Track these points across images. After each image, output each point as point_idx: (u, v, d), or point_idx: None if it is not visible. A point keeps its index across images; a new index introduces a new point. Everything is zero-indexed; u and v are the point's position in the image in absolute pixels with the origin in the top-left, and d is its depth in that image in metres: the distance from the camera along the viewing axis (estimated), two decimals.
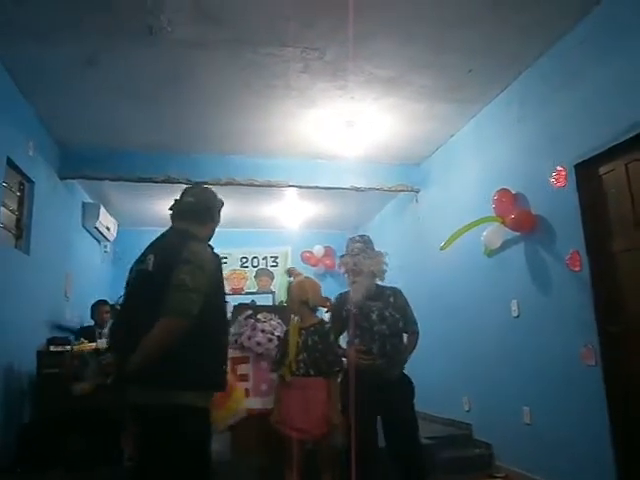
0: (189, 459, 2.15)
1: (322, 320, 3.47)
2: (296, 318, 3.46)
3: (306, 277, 3.59)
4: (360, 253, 3.41)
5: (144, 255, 2.39)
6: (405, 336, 3.47)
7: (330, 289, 4.81)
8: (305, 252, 9.00)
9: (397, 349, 3.34)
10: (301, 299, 3.37)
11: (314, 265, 8.96)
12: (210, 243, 2.52)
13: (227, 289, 9.23)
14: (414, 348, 3.43)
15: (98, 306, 5.57)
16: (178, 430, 2.13)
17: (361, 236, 3.56)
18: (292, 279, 3.59)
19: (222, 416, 3.25)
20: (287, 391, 3.26)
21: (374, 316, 3.32)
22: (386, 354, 3.26)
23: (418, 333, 3.45)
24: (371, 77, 4.32)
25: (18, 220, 4.64)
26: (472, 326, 5.07)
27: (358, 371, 3.16)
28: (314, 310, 3.44)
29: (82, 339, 4.74)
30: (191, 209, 2.52)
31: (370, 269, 3.39)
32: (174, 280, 2.17)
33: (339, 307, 3.48)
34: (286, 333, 3.47)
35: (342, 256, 3.53)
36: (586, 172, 3.66)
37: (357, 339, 3.29)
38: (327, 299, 3.58)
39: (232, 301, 7.53)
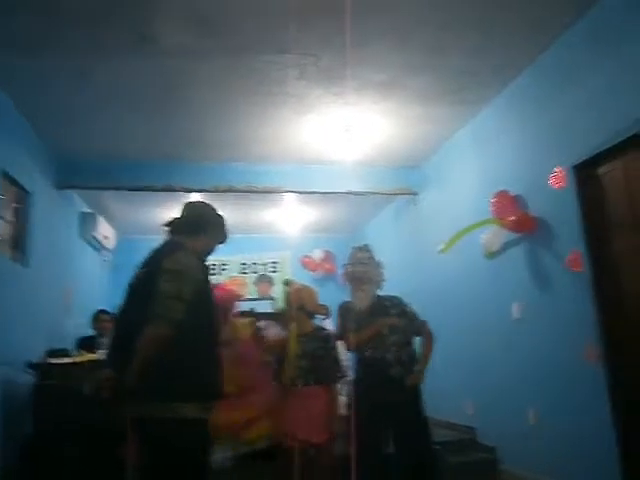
0: (189, 471, 2.14)
1: (320, 326, 3.48)
2: (293, 325, 3.43)
3: (303, 285, 3.61)
4: (369, 262, 3.43)
5: (137, 269, 2.42)
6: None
7: (330, 294, 4.79)
8: (304, 257, 8.98)
9: (412, 357, 3.35)
10: (298, 305, 3.38)
11: (313, 270, 8.93)
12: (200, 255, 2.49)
13: None
14: (431, 343, 3.51)
15: (98, 315, 5.54)
16: (178, 443, 2.12)
17: (366, 245, 3.58)
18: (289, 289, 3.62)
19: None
20: (287, 400, 3.23)
21: (385, 329, 3.33)
22: (401, 362, 3.27)
23: (425, 323, 3.46)
24: (367, 82, 4.31)
25: (15, 232, 4.62)
26: (474, 329, 5.05)
27: (372, 378, 3.18)
28: (311, 317, 3.47)
29: (81, 350, 4.71)
30: (183, 222, 2.55)
31: (377, 279, 3.42)
32: (157, 289, 2.17)
33: (347, 316, 3.45)
34: (283, 341, 3.46)
35: (348, 264, 3.51)
36: (585, 173, 3.65)
37: (369, 350, 3.29)
38: (324, 306, 3.57)
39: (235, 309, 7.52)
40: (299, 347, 3.28)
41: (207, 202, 2.80)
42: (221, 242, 2.65)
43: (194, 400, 2.20)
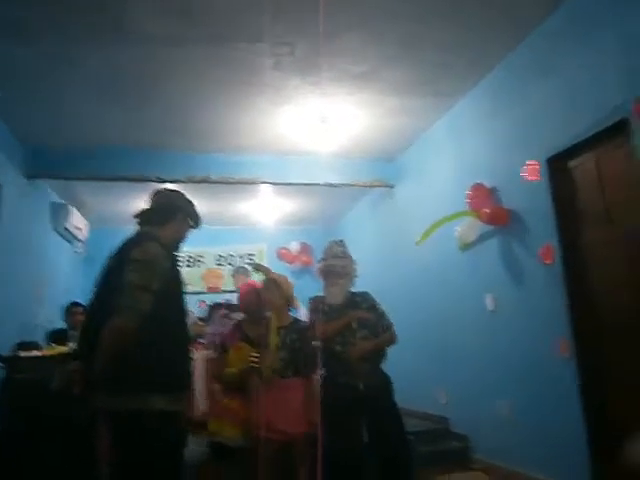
0: (160, 464, 2.11)
1: (296, 318, 3.51)
2: (274, 316, 3.40)
3: (279, 274, 3.61)
4: (346, 257, 3.42)
5: (106, 260, 2.39)
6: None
7: (307, 286, 4.78)
8: (281, 249, 8.95)
9: (378, 353, 3.35)
10: (285, 297, 3.43)
11: (291, 262, 8.91)
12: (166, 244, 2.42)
13: (204, 288, 9.13)
14: (386, 343, 3.41)
15: (70, 308, 5.44)
16: (147, 436, 2.09)
17: (341, 240, 3.56)
18: (262, 275, 3.61)
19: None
20: (265, 393, 3.18)
21: (354, 323, 3.32)
22: (368, 359, 3.26)
23: (391, 326, 3.43)
24: (343, 73, 4.29)
25: None
26: (448, 320, 5.10)
27: (339, 375, 3.18)
28: (289, 309, 3.50)
29: (52, 343, 4.62)
30: (150, 212, 2.50)
31: (351, 274, 3.42)
32: (124, 280, 2.14)
33: (317, 310, 3.43)
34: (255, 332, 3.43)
35: (324, 259, 3.49)
36: (558, 166, 3.70)
37: (338, 345, 3.28)
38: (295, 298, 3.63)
39: (208, 300, 7.49)
40: (279, 339, 3.28)
41: (175, 189, 2.74)
42: (192, 227, 2.59)
43: (162, 391, 2.15)
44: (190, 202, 2.61)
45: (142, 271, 2.16)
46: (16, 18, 3.40)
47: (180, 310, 2.38)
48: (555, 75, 3.68)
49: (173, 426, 2.21)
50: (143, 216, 2.51)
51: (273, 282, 3.47)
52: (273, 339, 3.28)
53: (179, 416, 2.25)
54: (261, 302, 3.48)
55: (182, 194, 2.64)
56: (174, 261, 2.40)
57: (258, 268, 3.78)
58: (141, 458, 2.11)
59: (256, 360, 3.23)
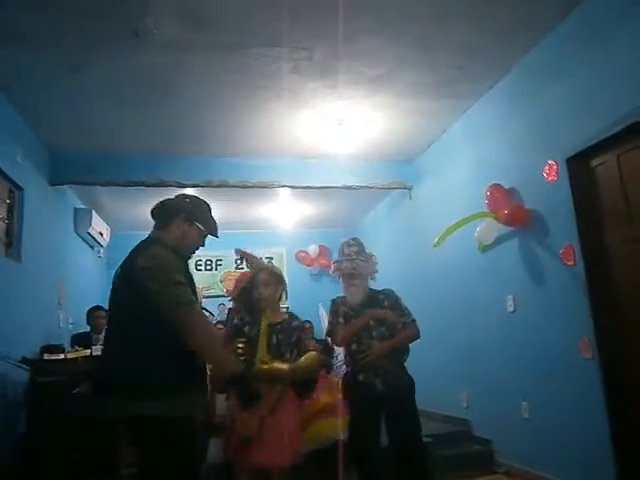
0: (175, 469, 2.06)
1: (292, 314, 3.20)
2: (268, 313, 3.07)
3: (271, 266, 3.40)
4: (357, 257, 3.40)
5: (117, 269, 2.32)
6: None
7: (326, 289, 4.81)
8: (300, 252, 8.98)
9: (399, 351, 3.33)
10: (282, 291, 3.16)
11: (309, 265, 8.94)
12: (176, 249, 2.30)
13: (223, 291, 9.16)
14: (408, 339, 3.35)
15: (93, 312, 5.53)
16: (162, 442, 2.04)
17: (354, 239, 3.54)
18: (247, 263, 3.41)
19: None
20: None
21: (371, 321, 3.31)
22: (389, 357, 3.25)
23: (414, 322, 3.39)
24: (360, 75, 4.30)
25: (8, 228, 4.60)
26: (468, 322, 5.06)
27: (359, 373, 3.18)
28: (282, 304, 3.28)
29: (76, 346, 4.70)
30: (155, 215, 2.42)
31: (367, 272, 3.40)
32: (148, 293, 2.05)
33: (337, 312, 3.42)
34: (244, 331, 3.05)
35: (337, 260, 3.49)
36: (578, 165, 3.66)
37: (354, 344, 3.28)
38: None
39: (227, 303, 7.53)
40: (266, 339, 2.96)
41: (192, 195, 2.62)
42: (205, 232, 2.46)
43: (173, 396, 2.06)
44: (200, 206, 2.49)
45: (159, 274, 2.09)
46: (40, 27, 3.47)
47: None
48: (571, 76, 3.65)
49: (186, 430, 2.11)
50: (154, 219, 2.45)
51: (278, 274, 3.18)
52: (262, 339, 2.95)
53: (189, 421, 2.15)
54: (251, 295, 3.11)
55: (193, 198, 2.53)
56: (183, 263, 2.30)
57: (242, 255, 3.48)
58: (155, 464, 2.08)
59: (242, 350, 2.90)
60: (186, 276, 2.23)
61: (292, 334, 3.02)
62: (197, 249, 2.47)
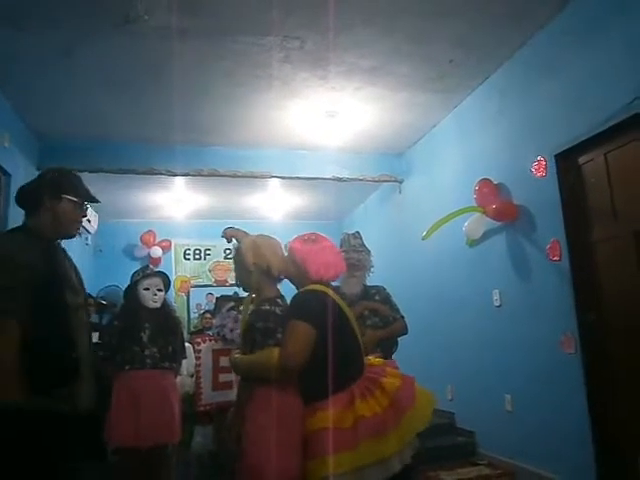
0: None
1: (280, 295, 2.47)
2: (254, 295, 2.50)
3: (259, 235, 2.66)
4: (362, 250, 3.44)
5: None
6: None
7: None
8: (289, 243, 8.97)
9: (389, 342, 3.37)
10: (259, 266, 2.44)
11: None
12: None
13: (212, 281, 9.14)
14: (398, 332, 3.41)
15: None
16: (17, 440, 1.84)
17: (357, 232, 3.57)
18: (236, 242, 2.91)
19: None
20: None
21: (366, 311, 3.33)
22: (379, 347, 3.27)
23: (403, 318, 3.44)
24: (352, 67, 4.29)
25: None
26: (455, 315, 5.10)
27: None
28: (277, 281, 2.50)
29: None
30: (20, 203, 2.18)
31: (368, 265, 3.44)
32: None
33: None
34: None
35: (344, 251, 3.50)
36: (566, 162, 3.69)
37: None
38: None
39: (216, 293, 7.52)
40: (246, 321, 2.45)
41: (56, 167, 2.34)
42: (82, 202, 2.21)
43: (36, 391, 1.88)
44: (64, 177, 2.22)
45: None
46: (28, 10, 3.43)
47: (56, 302, 2.02)
48: (562, 73, 3.67)
49: (47, 427, 1.90)
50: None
51: (245, 247, 2.56)
52: (242, 319, 2.58)
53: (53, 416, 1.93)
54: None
55: (53, 173, 2.24)
56: (49, 250, 2.09)
57: (229, 235, 3.12)
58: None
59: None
60: (43, 263, 2.00)
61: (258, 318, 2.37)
62: (79, 223, 2.27)
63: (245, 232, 3.05)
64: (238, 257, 2.57)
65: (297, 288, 2.39)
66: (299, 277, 2.39)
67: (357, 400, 2.05)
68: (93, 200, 2.28)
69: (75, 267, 2.29)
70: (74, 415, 2.01)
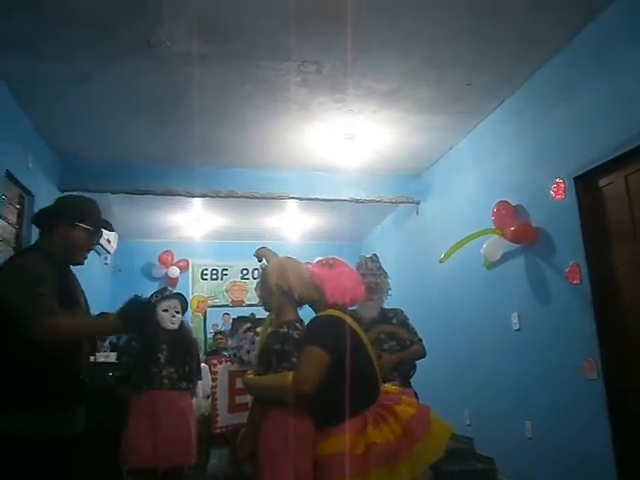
0: None
1: (299, 319, 2.45)
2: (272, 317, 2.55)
3: (287, 257, 2.65)
4: (381, 273, 3.44)
5: None
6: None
7: None
8: (306, 264, 8.97)
9: (407, 365, 3.33)
10: (281, 288, 2.41)
11: None
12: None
13: (228, 301, 9.15)
14: (415, 356, 3.37)
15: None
16: (8, 464, 1.83)
17: (375, 255, 3.57)
18: (265, 262, 2.93)
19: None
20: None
21: (382, 335, 3.31)
22: (396, 370, 3.25)
23: (421, 341, 3.41)
24: (369, 90, 4.33)
25: (17, 234, 4.64)
26: (473, 339, 5.04)
27: None
28: (298, 304, 2.46)
29: None
30: (37, 223, 2.27)
31: (385, 289, 3.42)
32: (9, 306, 1.91)
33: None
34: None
35: (361, 274, 3.49)
36: (585, 184, 3.66)
37: None
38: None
39: (233, 313, 7.53)
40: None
41: (72, 194, 2.43)
42: (96, 230, 2.30)
43: (22, 410, 1.88)
44: (82, 205, 2.30)
45: (15, 283, 1.95)
46: (52, 35, 3.52)
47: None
48: (579, 95, 3.67)
49: (39, 451, 1.87)
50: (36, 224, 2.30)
51: (270, 268, 2.60)
52: (260, 339, 2.56)
53: (49, 439, 1.91)
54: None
55: (74, 199, 2.38)
56: (62, 271, 2.15)
57: (261, 255, 3.05)
58: None
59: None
60: (62, 283, 2.08)
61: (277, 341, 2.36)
62: (89, 250, 2.34)
63: (275, 253, 3.05)
64: (264, 276, 2.60)
65: (315, 312, 2.39)
66: (317, 301, 2.38)
67: (370, 427, 2.02)
68: (107, 228, 2.37)
69: (82, 291, 2.36)
70: (75, 436, 2.01)
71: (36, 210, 4.68)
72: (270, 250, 3.14)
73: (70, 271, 2.29)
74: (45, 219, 2.25)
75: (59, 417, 1.97)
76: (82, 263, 2.33)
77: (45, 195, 5.12)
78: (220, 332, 6.00)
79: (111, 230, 2.41)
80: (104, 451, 2.48)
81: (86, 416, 2.15)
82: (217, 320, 8.58)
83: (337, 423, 2.06)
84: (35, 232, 4.69)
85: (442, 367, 5.35)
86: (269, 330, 2.46)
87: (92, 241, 2.31)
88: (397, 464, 1.95)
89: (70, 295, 2.14)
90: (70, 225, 2.20)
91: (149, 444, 3.24)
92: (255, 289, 2.76)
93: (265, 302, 2.59)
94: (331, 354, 2.10)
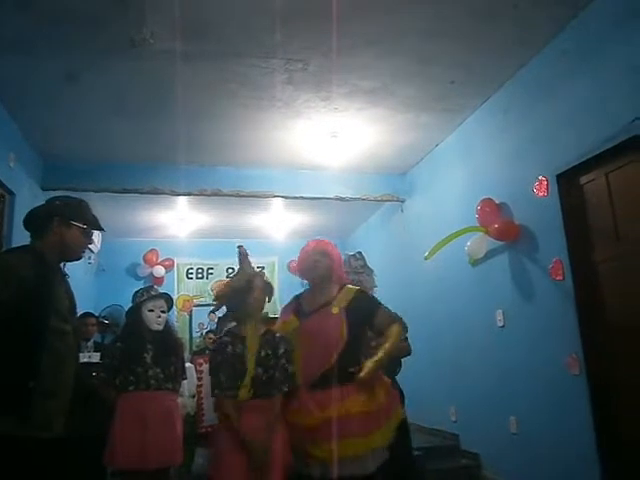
0: None
1: (270, 329, 2.77)
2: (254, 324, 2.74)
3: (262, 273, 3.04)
4: (364, 271, 3.42)
5: None
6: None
7: None
8: (292, 262, 8.96)
9: (392, 363, 3.34)
10: (268, 299, 2.85)
11: None
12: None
13: (214, 300, 9.03)
14: (401, 353, 3.39)
15: (82, 318, 5.48)
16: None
17: (359, 253, 3.56)
18: (241, 264, 3.08)
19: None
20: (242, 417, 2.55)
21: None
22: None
23: (407, 339, 3.42)
24: (355, 88, 4.33)
25: None
26: (458, 336, 5.07)
27: None
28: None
29: None
30: (28, 225, 2.29)
31: (370, 286, 3.42)
32: None
33: None
34: (233, 344, 2.69)
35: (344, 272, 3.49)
36: (568, 182, 3.70)
37: None
38: None
39: (218, 313, 7.48)
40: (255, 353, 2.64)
41: (62, 195, 2.46)
42: (89, 230, 2.35)
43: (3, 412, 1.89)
44: (74, 205, 2.33)
45: None
46: (34, 33, 3.48)
47: (35, 321, 2.05)
48: (563, 93, 3.70)
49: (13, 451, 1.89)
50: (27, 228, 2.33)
51: (266, 282, 2.92)
52: (252, 352, 2.64)
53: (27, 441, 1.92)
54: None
55: (65, 199, 2.38)
56: (48, 273, 2.16)
57: (243, 254, 3.18)
58: None
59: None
60: (37, 282, 2.08)
61: (278, 346, 2.66)
62: (84, 249, 2.40)
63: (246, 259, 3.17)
64: (260, 288, 2.89)
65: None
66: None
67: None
68: (99, 228, 2.45)
69: (71, 294, 2.38)
70: (57, 439, 2.01)
71: (17, 209, 4.68)
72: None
73: (61, 272, 2.33)
74: (38, 220, 2.27)
75: (41, 419, 1.96)
76: (80, 258, 2.42)
77: (27, 194, 5.05)
78: (211, 331, 5.98)
79: (102, 230, 2.48)
80: (87, 453, 2.45)
81: (68, 418, 2.14)
82: (203, 319, 8.54)
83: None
84: (17, 231, 4.67)
85: (427, 364, 5.38)
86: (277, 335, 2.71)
87: (86, 240, 2.36)
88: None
89: (47, 297, 2.13)
90: (65, 225, 2.24)
91: (136, 445, 3.20)
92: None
93: (257, 311, 2.79)
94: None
